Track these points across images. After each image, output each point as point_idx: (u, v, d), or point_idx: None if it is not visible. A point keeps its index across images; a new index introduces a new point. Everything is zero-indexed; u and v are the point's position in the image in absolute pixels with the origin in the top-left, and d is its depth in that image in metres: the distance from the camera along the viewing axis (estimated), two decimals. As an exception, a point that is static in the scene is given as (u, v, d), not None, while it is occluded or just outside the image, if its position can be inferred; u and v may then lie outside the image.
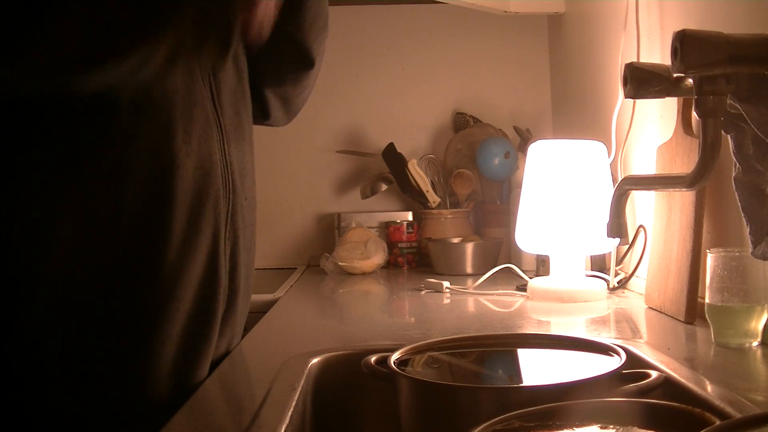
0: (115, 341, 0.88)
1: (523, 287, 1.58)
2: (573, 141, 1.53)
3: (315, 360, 0.99)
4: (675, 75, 0.88)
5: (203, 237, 0.93)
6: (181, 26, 0.88)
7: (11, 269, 0.86)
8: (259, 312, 1.45)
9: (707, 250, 1.02)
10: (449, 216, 2.17)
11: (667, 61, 0.83)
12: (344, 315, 1.60)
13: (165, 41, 0.86)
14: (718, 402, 0.75)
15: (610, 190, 1.44)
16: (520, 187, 1.62)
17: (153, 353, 0.89)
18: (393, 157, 2.20)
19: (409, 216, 2.28)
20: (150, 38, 0.85)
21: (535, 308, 1.44)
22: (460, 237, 2.09)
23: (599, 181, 1.49)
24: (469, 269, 1.93)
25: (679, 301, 1.19)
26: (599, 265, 1.64)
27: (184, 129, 0.91)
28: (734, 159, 0.91)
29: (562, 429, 0.60)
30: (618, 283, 1.53)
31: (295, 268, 2.27)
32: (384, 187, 2.26)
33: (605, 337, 1.07)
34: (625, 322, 1.28)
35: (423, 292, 1.65)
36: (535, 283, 1.53)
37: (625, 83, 0.92)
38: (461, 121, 2.37)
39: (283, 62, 1.15)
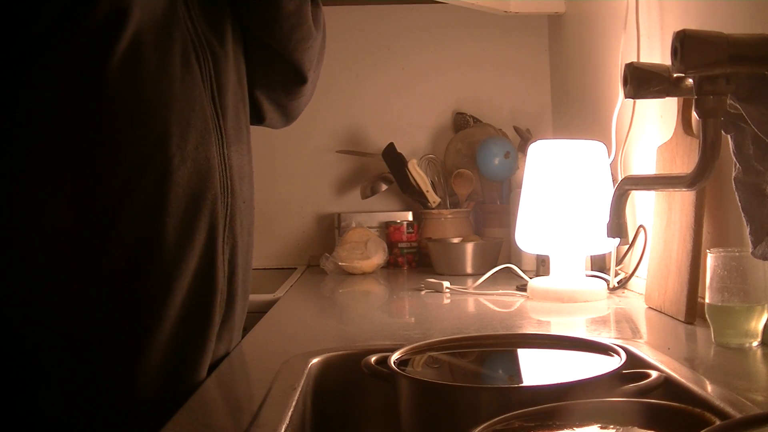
0: (105, 345, 0.88)
1: (523, 287, 1.58)
2: (573, 141, 1.53)
3: (315, 360, 0.99)
4: (675, 75, 0.88)
5: (198, 242, 0.93)
6: None
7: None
8: (259, 312, 1.45)
9: (707, 250, 1.02)
10: (449, 216, 2.17)
11: (667, 61, 0.83)
12: (344, 315, 1.60)
13: None
14: (718, 402, 0.75)
15: (610, 190, 1.44)
16: (520, 187, 1.62)
17: (142, 357, 0.89)
18: (393, 157, 2.20)
19: (409, 216, 2.28)
20: None
21: (535, 308, 1.44)
22: (460, 237, 2.09)
23: (599, 181, 1.49)
24: (469, 269, 1.93)
25: (679, 301, 1.19)
26: (599, 265, 1.64)
27: (180, 134, 0.91)
28: (734, 159, 0.91)
29: (562, 429, 0.60)
30: (618, 283, 1.53)
31: (295, 268, 2.27)
32: (384, 187, 2.26)
33: (605, 337, 1.07)
34: (625, 322, 1.28)
35: (423, 292, 1.65)
36: (535, 283, 1.53)
37: (625, 83, 0.92)
38: (461, 121, 2.37)
39: (271, 73, 1.14)
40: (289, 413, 0.77)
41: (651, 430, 0.60)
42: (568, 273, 1.49)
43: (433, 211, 2.18)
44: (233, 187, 0.99)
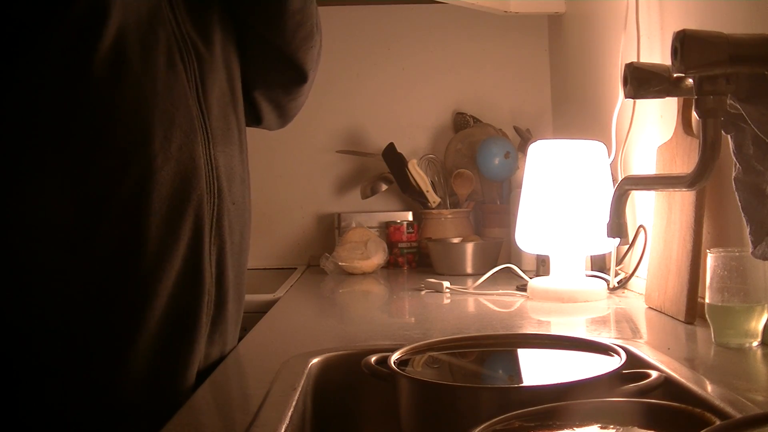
0: (90, 344, 0.88)
1: (523, 287, 1.58)
2: (573, 141, 1.53)
3: (315, 360, 0.99)
4: (675, 75, 0.88)
5: (182, 242, 0.92)
6: None
7: None
8: (259, 312, 1.45)
9: (707, 250, 1.02)
10: (449, 216, 2.17)
11: (667, 61, 0.83)
12: (344, 315, 1.60)
13: None
14: (718, 402, 0.75)
15: (610, 190, 1.44)
16: (520, 187, 1.62)
17: (125, 358, 0.89)
18: (393, 157, 2.20)
19: (409, 216, 2.28)
20: None
21: (535, 308, 1.44)
22: (460, 237, 2.09)
23: (599, 181, 1.49)
24: (469, 269, 1.93)
25: (679, 301, 1.19)
26: (599, 265, 1.63)
27: (164, 134, 0.90)
28: (734, 159, 0.91)
29: (562, 429, 0.60)
30: (618, 283, 1.53)
31: (295, 268, 2.27)
32: (384, 187, 2.26)
33: (605, 337, 1.07)
34: (625, 322, 1.28)
35: (423, 292, 1.65)
36: (535, 283, 1.53)
37: (625, 83, 0.92)
38: (461, 121, 2.37)
39: (271, 72, 1.13)
40: (289, 413, 0.77)
41: (651, 430, 0.60)
42: (568, 273, 1.49)
43: (433, 211, 2.18)
44: (220, 188, 0.98)
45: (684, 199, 1.21)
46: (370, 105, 2.41)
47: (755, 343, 0.99)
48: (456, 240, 2.07)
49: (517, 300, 1.52)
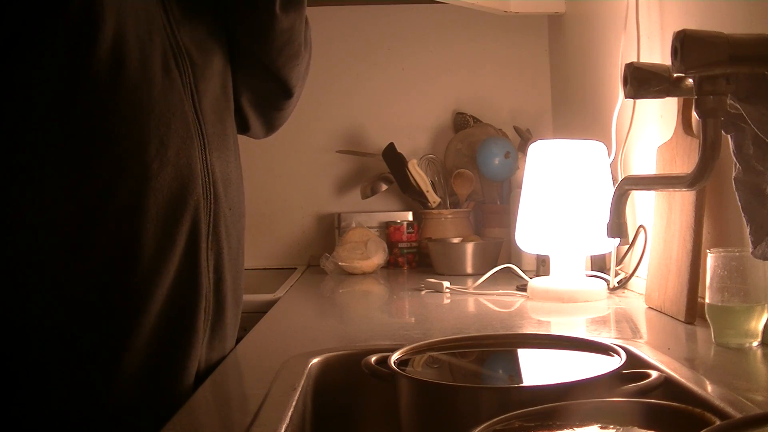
0: (85, 346, 0.88)
1: (523, 287, 1.58)
2: (573, 141, 1.53)
3: (315, 360, 0.99)
4: (675, 75, 0.88)
5: (179, 247, 0.92)
6: None
7: None
8: (259, 312, 1.45)
9: (707, 250, 1.02)
10: (449, 216, 2.17)
11: (667, 61, 0.83)
12: (344, 315, 1.60)
13: None
14: (718, 402, 0.75)
15: (610, 190, 1.44)
16: (520, 187, 1.62)
17: (119, 361, 0.89)
18: (393, 157, 2.20)
19: (409, 216, 2.28)
20: None
21: (535, 308, 1.44)
22: (460, 237, 2.09)
23: (599, 181, 1.49)
24: (469, 269, 1.93)
25: (679, 301, 1.19)
26: (599, 265, 1.63)
27: (160, 139, 0.90)
28: (734, 159, 0.91)
29: (562, 429, 0.60)
30: (618, 283, 1.53)
31: (295, 268, 2.27)
32: (384, 187, 2.26)
33: (605, 337, 1.07)
34: (625, 322, 1.28)
35: (423, 292, 1.65)
36: (535, 283, 1.53)
37: (625, 83, 0.92)
38: (461, 121, 2.37)
39: (257, 84, 1.14)
40: (289, 413, 0.77)
41: (651, 430, 0.60)
42: (568, 273, 1.49)
43: (433, 211, 2.18)
44: (217, 193, 0.98)
45: (684, 199, 1.21)
46: (370, 105, 2.41)
47: (755, 343, 0.99)
48: (456, 240, 2.07)
49: (517, 300, 1.52)
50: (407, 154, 2.22)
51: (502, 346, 0.91)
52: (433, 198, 2.17)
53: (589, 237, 1.47)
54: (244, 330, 1.15)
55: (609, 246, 1.51)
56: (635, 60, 1.44)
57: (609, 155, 1.56)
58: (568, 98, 2.18)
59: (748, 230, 0.91)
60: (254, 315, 1.39)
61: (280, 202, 2.40)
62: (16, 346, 0.87)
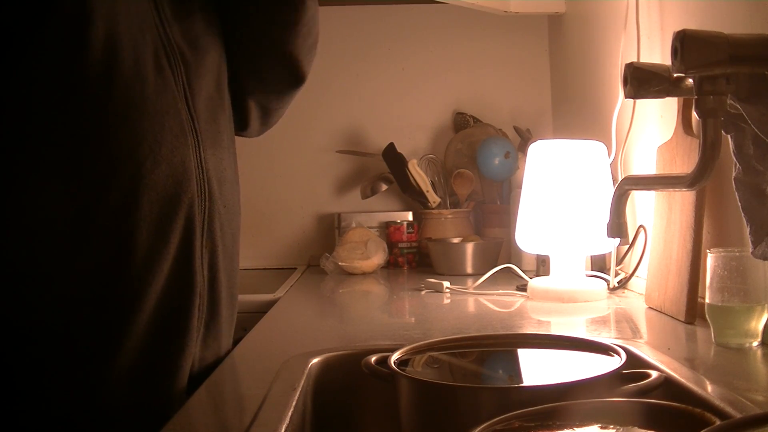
0: (79, 344, 0.88)
1: (523, 287, 1.58)
2: (573, 141, 1.53)
3: (315, 360, 0.99)
4: (675, 75, 0.88)
5: (173, 245, 0.92)
6: None
7: None
8: (259, 312, 1.45)
9: (707, 250, 1.02)
10: (449, 216, 2.17)
11: (667, 61, 0.83)
12: (344, 315, 1.60)
13: None
14: (718, 402, 0.75)
15: (610, 190, 1.44)
16: (520, 187, 1.62)
17: (112, 359, 0.89)
18: (393, 157, 2.20)
19: (409, 216, 2.28)
20: None
21: (535, 308, 1.44)
22: (460, 237, 2.09)
23: (599, 181, 1.49)
24: (469, 269, 1.93)
25: (679, 301, 1.19)
26: (599, 265, 1.63)
27: (153, 137, 0.90)
28: (734, 159, 0.91)
29: (562, 429, 0.60)
30: (618, 283, 1.53)
31: (295, 268, 2.27)
32: (384, 187, 2.26)
33: (605, 337, 1.07)
34: (625, 322, 1.28)
35: (423, 292, 1.65)
36: (535, 283, 1.53)
37: (625, 83, 0.92)
38: (461, 121, 2.37)
39: (270, 76, 1.14)
40: (289, 413, 0.77)
41: (651, 430, 0.60)
42: (568, 273, 1.49)
43: (433, 211, 2.18)
44: (211, 191, 0.98)
45: (684, 199, 1.21)
46: (370, 105, 2.41)
47: (755, 343, 0.99)
48: (456, 240, 2.07)
49: (517, 300, 1.52)
50: (407, 154, 2.22)
51: (502, 346, 0.91)
52: (433, 198, 2.17)
53: (589, 237, 1.47)
54: (244, 330, 1.15)
55: (609, 246, 1.51)
56: (635, 60, 1.44)
57: (609, 155, 1.56)
58: (568, 98, 2.18)
59: (748, 230, 0.91)
60: (254, 315, 1.39)
61: (280, 202, 2.40)
62: (10, 344, 0.87)
